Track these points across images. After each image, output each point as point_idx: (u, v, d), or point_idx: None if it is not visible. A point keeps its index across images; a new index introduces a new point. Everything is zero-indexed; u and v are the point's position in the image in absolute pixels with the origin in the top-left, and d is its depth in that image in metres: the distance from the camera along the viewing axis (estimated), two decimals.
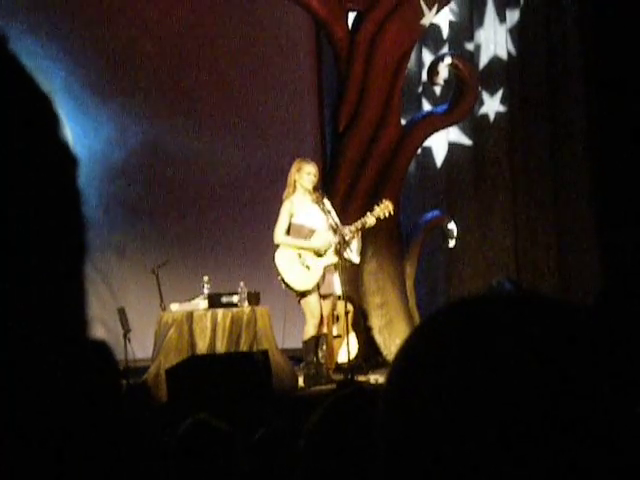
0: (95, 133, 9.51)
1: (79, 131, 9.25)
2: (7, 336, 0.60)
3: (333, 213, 7.84)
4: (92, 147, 9.35)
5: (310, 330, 7.79)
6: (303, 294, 7.78)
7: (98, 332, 0.67)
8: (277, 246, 7.83)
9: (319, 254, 7.74)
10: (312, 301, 7.76)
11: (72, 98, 9.29)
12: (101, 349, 0.66)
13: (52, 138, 0.64)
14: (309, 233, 7.79)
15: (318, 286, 7.78)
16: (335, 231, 7.74)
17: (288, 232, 7.82)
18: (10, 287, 0.60)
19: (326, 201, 7.84)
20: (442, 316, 0.81)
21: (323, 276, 7.77)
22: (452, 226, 9.59)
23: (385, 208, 7.99)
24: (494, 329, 0.76)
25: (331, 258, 7.76)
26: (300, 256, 7.76)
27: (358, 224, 7.85)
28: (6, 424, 0.60)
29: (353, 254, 7.92)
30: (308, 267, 7.75)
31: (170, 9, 9.81)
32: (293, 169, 7.84)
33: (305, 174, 7.76)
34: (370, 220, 7.89)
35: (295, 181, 7.80)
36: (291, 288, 7.79)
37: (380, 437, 0.78)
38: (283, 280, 7.78)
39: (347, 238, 7.74)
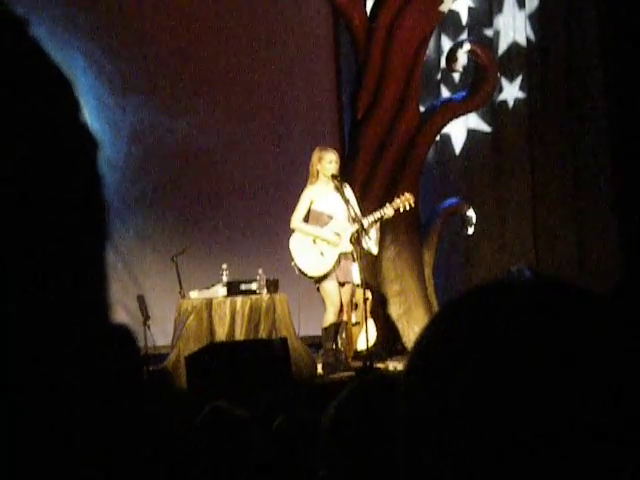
0: (114, 124, 9.53)
1: (97, 122, 9.27)
2: (30, 321, 0.60)
3: (353, 201, 7.83)
4: (112, 138, 9.38)
5: (330, 317, 7.79)
6: (320, 281, 7.79)
7: (119, 319, 0.67)
8: (293, 231, 7.85)
9: (332, 243, 7.75)
10: (330, 288, 7.76)
11: (91, 90, 9.31)
12: (124, 333, 0.66)
13: (73, 123, 0.65)
14: (328, 220, 7.79)
15: (335, 273, 7.78)
16: (354, 220, 7.74)
17: (307, 218, 7.83)
18: (34, 272, 0.61)
19: (347, 189, 7.83)
20: (460, 303, 0.81)
21: (338, 263, 7.77)
22: (471, 213, 9.57)
23: (406, 200, 7.96)
24: (513, 316, 0.76)
25: (347, 246, 7.75)
26: (315, 242, 7.77)
27: (377, 215, 7.84)
28: (28, 408, 0.60)
29: (372, 244, 7.91)
30: (322, 253, 7.75)
31: (189, 0, 9.81)
32: (314, 158, 7.81)
33: (327, 163, 7.74)
34: (389, 211, 7.87)
35: (317, 171, 7.79)
36: (304, 274, 7.80)
37: (399, 425, 0.79)
38: (296, 265, 7.80)
39: (365, 227, 7.73)
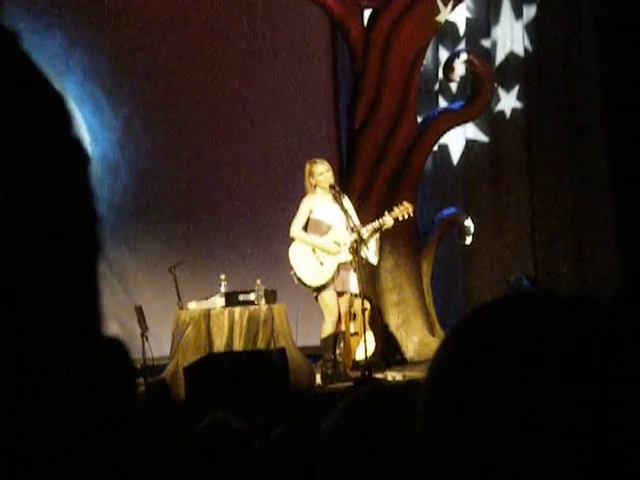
0: (109, 134, 9.53)
1: (93, 132, 9.27)
2: (25, 335, 0.60)
3: (351, 211, 7.83)
4: (106, 149, 9.38)
5: (328, 328, 7.79)
6: (318, 291, 7.78)
7: (115, 331, 0.67)
8: (292, 240, 7.85)
9: (331, 253, 7.75)
10: (328, 298, 7.76)
11: (87, 99, 9.32)
12: (116, 346, 0.66)
13: (66, 137, 0.65)
14: (327, 229, 7.80)
15: (334, 283, 7.78)
16: (352, 230, 7.74)
17: (306, 227, 7.84)
18: (27, 287, 0.60)
19: (345, 200, 7.84)
20: (477, 318, 0.81)
21: (337, 273, 7.77)
22: (469, 223, 9.58)
23: (405, 210, 7.96)
24: (518, 328, 0.77)
25: (345, 256, 7.76)
26: (314, 251, 7.77)
27: (376, 224, 7.84)
28: (23, 421, 0.60)
29: (371, 254, 7.90)
30: (322, 263, 7.75)
31: (186, 11, 9.82)
32: (306, 173, 7.86)
33: (318, 175, 7.77)
34: (388, 221, 7.87)
35: (312, 184, 7.82)
36: (303, 283, 7.80)
37: (420, 438, 0.79)
38: (295, 274, 7.80)
39: (364, 237, 7.73)
